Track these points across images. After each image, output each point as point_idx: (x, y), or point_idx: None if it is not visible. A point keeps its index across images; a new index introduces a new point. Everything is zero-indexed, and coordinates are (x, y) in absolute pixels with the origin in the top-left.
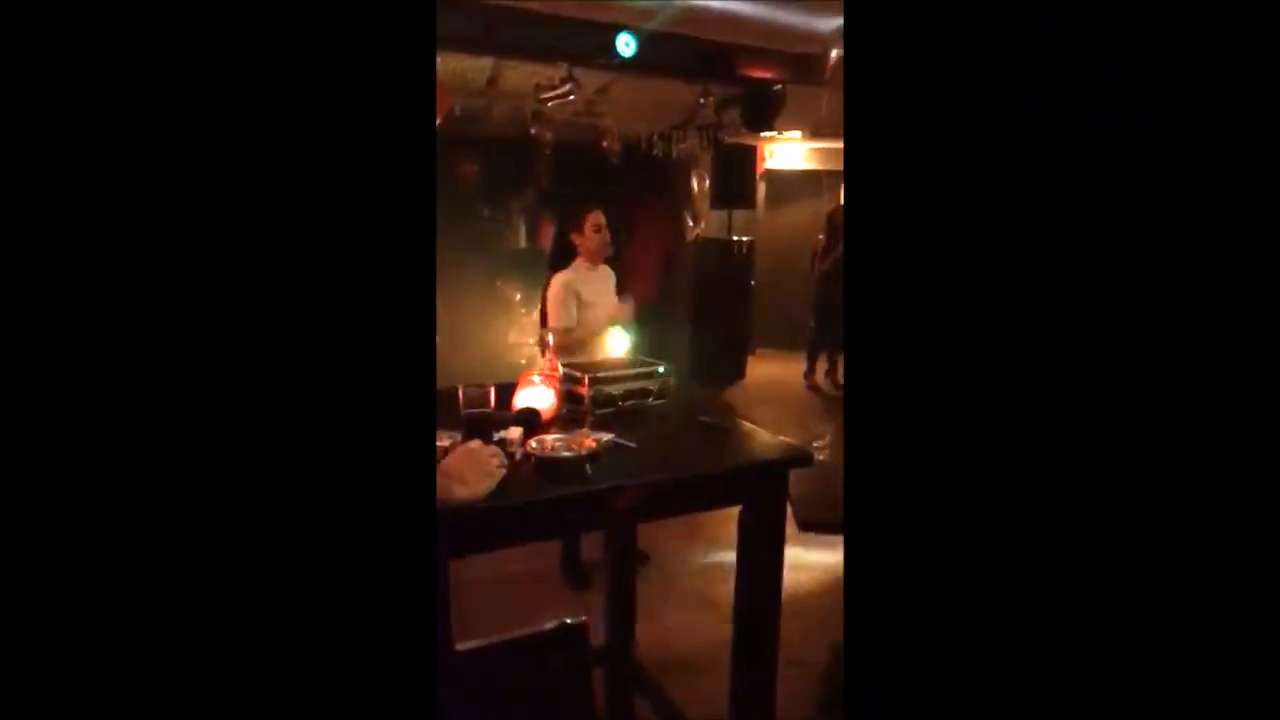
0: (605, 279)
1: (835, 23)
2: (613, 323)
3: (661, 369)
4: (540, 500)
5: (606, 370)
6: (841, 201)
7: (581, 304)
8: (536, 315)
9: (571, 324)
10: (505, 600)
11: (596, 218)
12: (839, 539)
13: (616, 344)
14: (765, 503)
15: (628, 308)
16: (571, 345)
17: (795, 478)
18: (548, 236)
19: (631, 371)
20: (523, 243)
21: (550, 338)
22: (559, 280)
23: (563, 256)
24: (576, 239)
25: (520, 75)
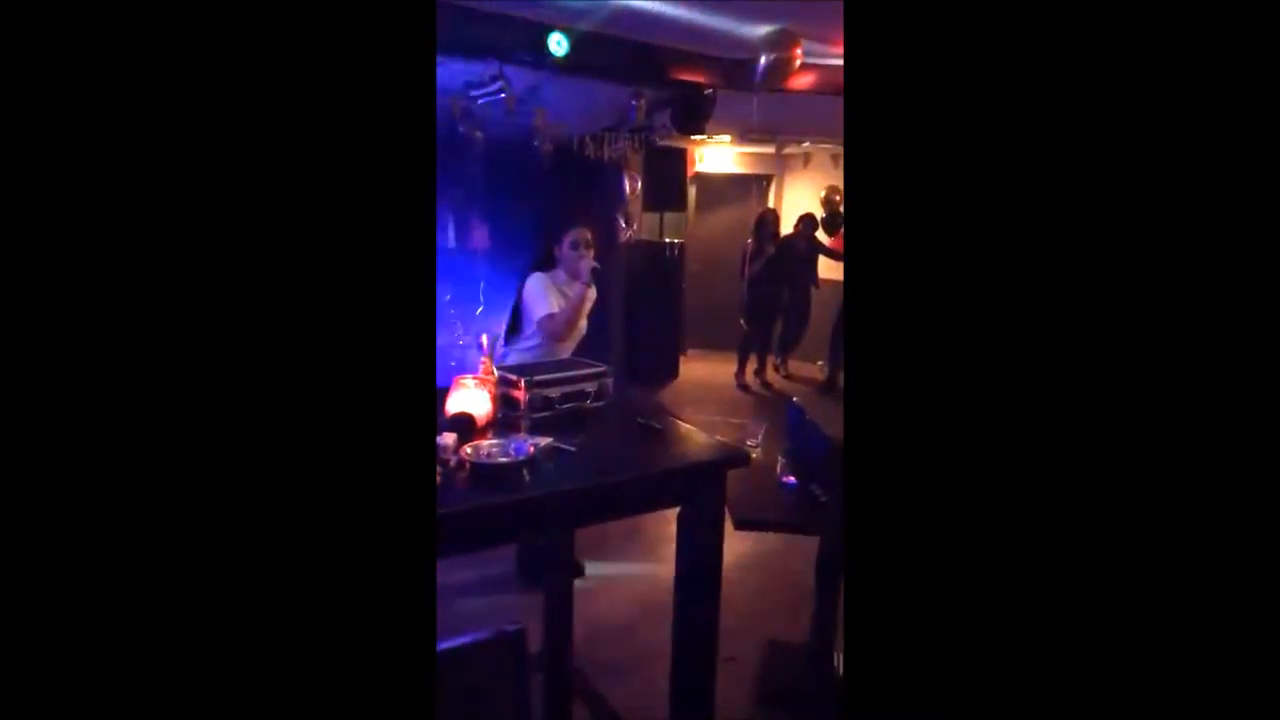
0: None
1: (764, 29)
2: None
3: (599, 370)
4: (478, 508)
5: (543, 373)
6: (770, 205)
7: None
8: (479, 312)
9: (546, 313)
10: (455, 608)
11: (576, 234)
12: (773, 537)
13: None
14: (704, 503)
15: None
16: (556, 330)
17: (730, 477)
18: (479, 237)
19: (569, 374)
20: (451, 242)
21: (485, 339)
22: (536, 278)
23: (544, 262)
24: (558, 253)
25: (449, 72)
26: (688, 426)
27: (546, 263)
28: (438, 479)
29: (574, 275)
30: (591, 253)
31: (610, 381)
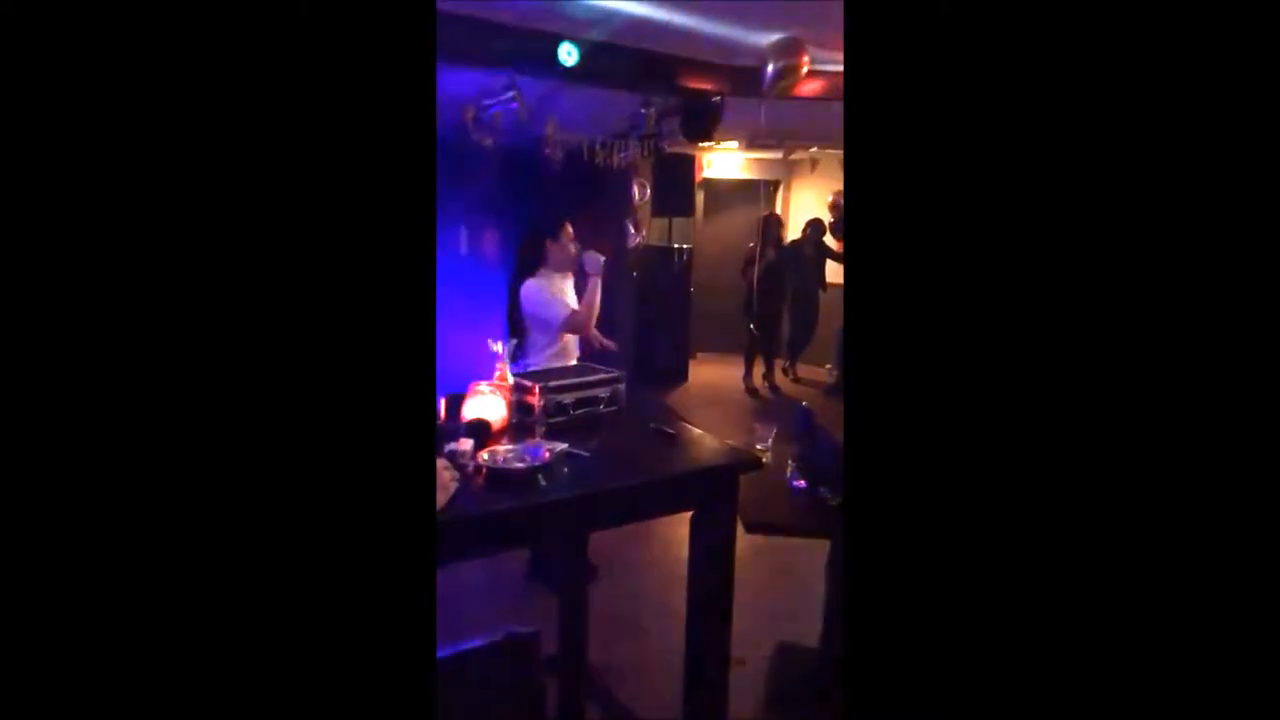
0: (568, 285)
1: (771, 37)
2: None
3: (612, 376)
4: (494, 513)
5: (557, 379)
6: (777, 209)
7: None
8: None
9: (568, 311)
10: (467, 609)
11: (569, 229)
12: (783, 541)
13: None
14: (716, 507)
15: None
16: (583, 323)
17: (741, 480)
18: (490, 243)
19: (583, 379)
20: (463, 249)
21: (497, 346)
22: (535, 285)
23: (531, 265)
24: (552, 246)
25: (462, 81)
26: (699, 431)
27: (531, 265)
28: (456, 484)
29: (564, 269)
30: (577, 247)
31: (623, 387)
